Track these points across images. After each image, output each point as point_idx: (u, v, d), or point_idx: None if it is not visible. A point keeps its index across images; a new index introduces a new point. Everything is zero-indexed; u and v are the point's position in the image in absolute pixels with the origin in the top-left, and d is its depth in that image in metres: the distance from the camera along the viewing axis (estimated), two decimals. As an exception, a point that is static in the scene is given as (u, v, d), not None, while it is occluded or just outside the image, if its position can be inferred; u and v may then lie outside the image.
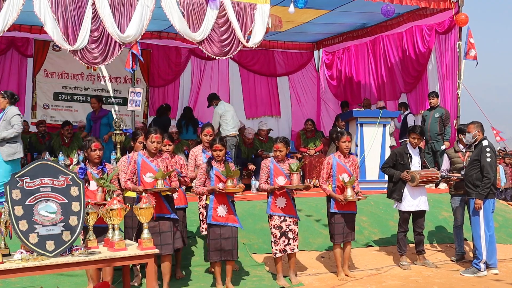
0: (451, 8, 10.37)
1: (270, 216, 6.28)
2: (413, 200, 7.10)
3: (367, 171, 10.01)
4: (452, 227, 7.67)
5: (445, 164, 7.61)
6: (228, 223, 5.91)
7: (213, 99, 10.46)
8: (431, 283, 6.50)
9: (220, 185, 5.87)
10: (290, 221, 6.27)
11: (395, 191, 7.19)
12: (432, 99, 10.37)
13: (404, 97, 12.44)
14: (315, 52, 14.75)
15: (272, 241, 6.27)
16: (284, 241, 6.21)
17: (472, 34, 10.40)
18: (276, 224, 6.24)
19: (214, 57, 8.94)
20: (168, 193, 5.74)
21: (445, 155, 7.76)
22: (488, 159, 6.70)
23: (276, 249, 6.22)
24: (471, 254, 7.57)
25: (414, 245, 7.40)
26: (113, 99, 12.41)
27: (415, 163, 7.18)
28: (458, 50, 10.53)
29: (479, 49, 10.50)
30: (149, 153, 5.69)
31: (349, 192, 6.40)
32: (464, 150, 7.49)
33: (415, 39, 11.83)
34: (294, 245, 6.26)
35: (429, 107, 10.53)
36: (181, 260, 6.60)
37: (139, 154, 5.73)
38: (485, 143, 6.83)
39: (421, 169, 7.18)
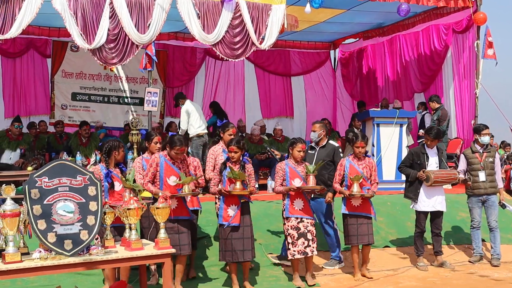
0: (470, 6, 10.25)
1: (287, 218, 6.24)
2: (428, 200, 7.03)
3: (383, 171, 9.92)
4: (470, 228, 7.59)
5: (462, 165, 7.53)
6: (238, 223, 5.86)
7: (179, 98, 10.13)
8: (449, 284, 6.44)
9: (230, 187, 5.82)
10: (308, 222, 6.24)
11: (411, 191, 7.15)
12: (431, 103, 10.30)
13: (422, 96, 12.32)
14: (332, 51, 14.69)
15: (289, 243, 6.19)
16: (303, 243, 6.17)
17: (491, 32, 10.29)
18: (293, 225, 6.20)
19: (227, 59, 8.95)
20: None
21: (462, 155, 7.68)
22: (341, 154, 6.87)
23: (294, 251, 6.17)
24: (489, 255, 7.49)
25: (431, 246, 7.34)
26: (129, 99, 12.51)
27: (432, 163, 7.10)
28: (476, 49, 10.41)
29: (498, 48, 10.32)
30: (171, 156, 5.69)
31: (355, 188, 6.42)
32: (481, 151, 7.41)
33: (432, 38, 11.72)
34: (314, 247, 6.23)
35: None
36: (197, 259, 6.61)
37: (161, 156, 5.71)
38: (333, 143, 6.98)
39: (439, 169, 7.12)
